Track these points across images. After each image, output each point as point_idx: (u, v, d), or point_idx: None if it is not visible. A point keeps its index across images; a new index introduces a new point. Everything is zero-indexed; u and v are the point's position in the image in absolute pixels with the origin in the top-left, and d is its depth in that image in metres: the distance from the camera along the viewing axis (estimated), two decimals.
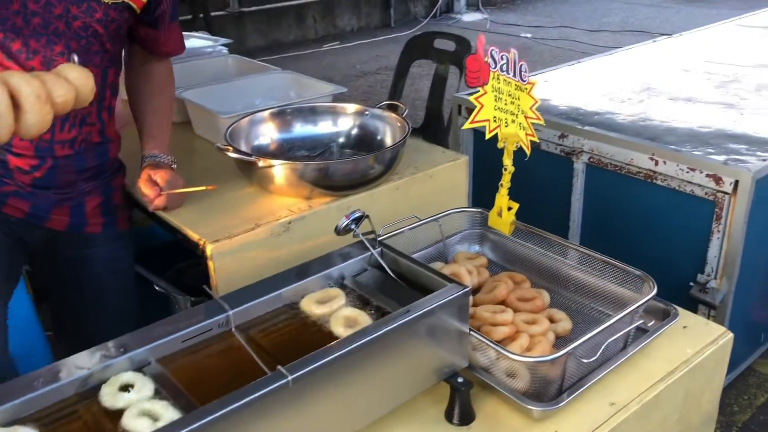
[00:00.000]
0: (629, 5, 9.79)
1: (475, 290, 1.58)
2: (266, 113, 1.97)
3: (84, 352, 1.09)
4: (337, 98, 2.19)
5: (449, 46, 3.54)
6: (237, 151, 1.72)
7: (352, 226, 1.35)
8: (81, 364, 1.06)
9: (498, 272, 1.66)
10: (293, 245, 1.68)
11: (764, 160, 2.13)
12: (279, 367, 1.02)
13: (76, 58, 0.98)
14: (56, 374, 1.05)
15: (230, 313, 1.18)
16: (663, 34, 4.36)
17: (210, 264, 1.57)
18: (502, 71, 1.58)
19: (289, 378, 1.00)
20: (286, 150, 1.98)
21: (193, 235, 1.60)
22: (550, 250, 1.62)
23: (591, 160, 2.46)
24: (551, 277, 1.61)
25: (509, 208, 1.63)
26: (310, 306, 1.24)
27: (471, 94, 1.55)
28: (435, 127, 3.76)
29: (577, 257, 1.56)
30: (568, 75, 3.23)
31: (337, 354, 1.06)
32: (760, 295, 2.44)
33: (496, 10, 9.72)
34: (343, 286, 1.31)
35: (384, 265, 1.34)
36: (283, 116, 1.98)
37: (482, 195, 2.61)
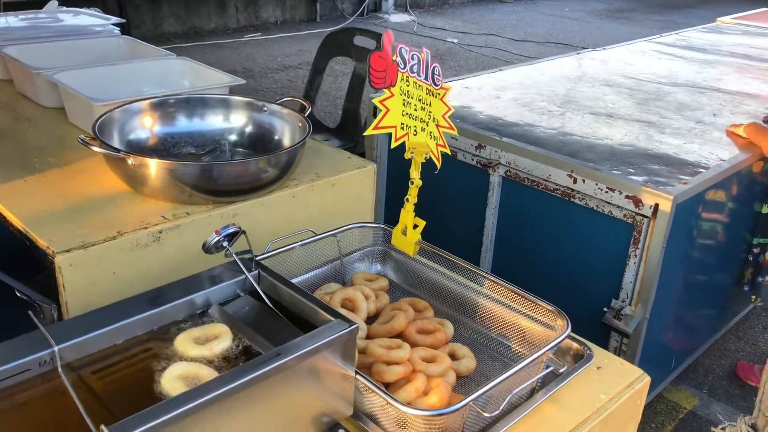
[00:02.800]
0: (555, 18, 9.90)
1: (372, 318, 1.39)
2: (146, 103, 1.71)
3: None
4: (236, 92, 1.96)
5: (369, 44, 3.36)
6: (103, 144, 1.47)
7: (224, 243, 1.14)
8: None
9: (400, 297, 1.49)
10: (165, 260, 1.44)
11: (685, 183, 2.04)
12: (102, 427, 0.80)
13: None
14: None
15: (56, 348, 0.95)
16: (585, 48, 4.32)
17: (59, 278, 1.31)
18: (413, 73, 1.41)
19: None
20: (169, 147, 1.74)
21: (41, 242, 1.34)
22: (457, 274, 1.45)
23: (508, 173, 2.33)
24: (457, 305, 1.44)
25: (415, 226, 1.46)
26: (185, 346, 1.02)
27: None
28: (351, 129, 3.57)
29: (486, 285, 1.40)
30: (489, 82, 3.10)
31: (178, 411, 0.84)
32: (672, 322, 2.37)
33: (425, 13, 9.62)
34: (206, 316, 1.09)
35: (260, 291, 1.13)
36: (166, 107, 1.73)
37: (396, 208, 2.45)
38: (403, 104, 1.39)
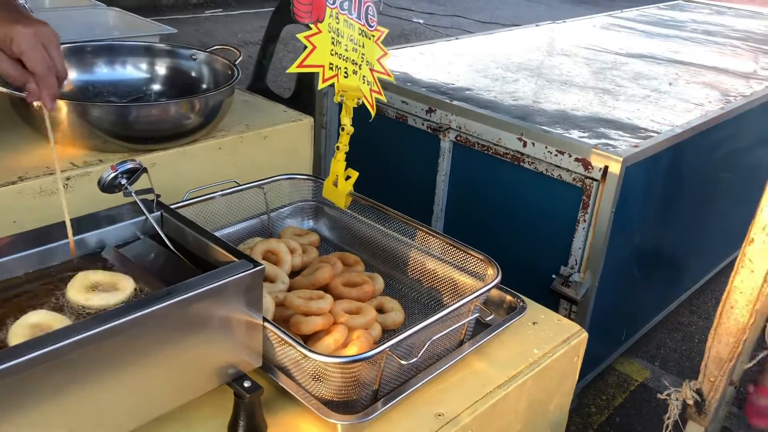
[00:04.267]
0: (522, 2, 9.87)
1: (298, 271, 1.30)
2: (63, 47, 1.59)
3: None
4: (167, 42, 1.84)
5: None
6: (7, 84, 1.35)
7: (122, 181, 1.03)
8: None
9: (331, 252, 1.40)
10: (72, 210, 1.32)
11: (636, 146, 1.98)
12: None
13: None
14: None
15: None
16: None
17: None
18: (343, 10, 1.31)
19: None
20: (91, 96, 1.62)
21: None
22: (390, 228, 1.37)
23: (458, 138, 2.25)
24: (389, 260, 1.36)
25: (347, 178, 1.37)
26: (76, 294, 0.91)
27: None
28: (305, 98, 3.45)
29: (420, 238, 1.32)
30: (443, 50, 3.01)
31: (63, 343, 0.74)
32: (623, 291, 2.32)
33: None
34: (100, 259, 0.99)
35: (161, 233, 1.03)
36: (84, 53, 1.61)
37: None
38: (333, 43, 1.29)
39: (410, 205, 2.46)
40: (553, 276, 2.10)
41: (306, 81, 3.43)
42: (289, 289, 1.22)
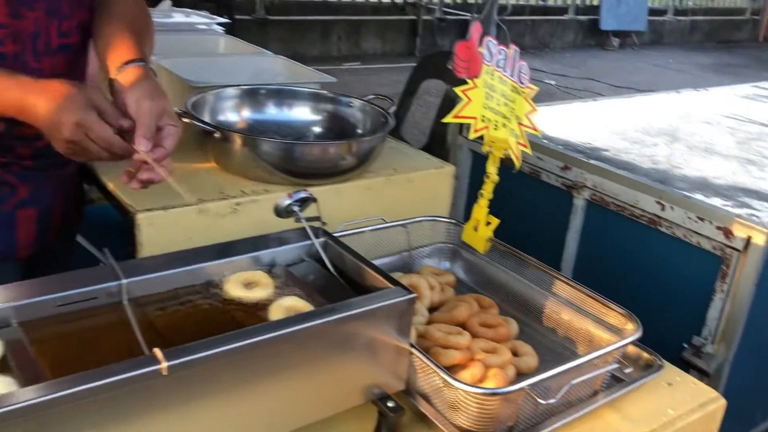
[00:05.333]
0: (658, 68, 9.68)
1: (435, 308, 1.37)
2: (237, 89, 1.78)
3: None
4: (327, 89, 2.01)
5: None
6: (194, 118, 1.54)
7: (295, 208, 1.15)
8: None
9: (466, 294, 1.46)
10: (239, 231, 1.47)
11: None
12: (156, 349, 0.82)
13: None
14: None
15: (124, 282, 0.98)
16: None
17: (137, 235, 1.37)
18: (498, 67, 1.40)
19: (164, 365, 0.80)
20: (256, 134, 1.79)
21: (125, 201, 1.41)
22: (526, 275, 1.42)
23: (593, 197, 2.26)
24: (524, 307, 1.40)
25: (488, 223, 1.43)
26: (233, 288, 1.04)
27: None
28: (437, 149, 3.56)
29: (557, 287, 1.35)
30: (581, 111, 3.04)
31: (233, 346, 0.85)
32: (759, 369, 2.20)
33: (524, 55, 9.51)
34: (271, 275, 1.11)
35: (324, 257, 1.14)
36: (255, 96, 1.80)
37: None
38: (486, 97, 1.38)
39: (538, 259, 2.48)
40: (684, 345, 2.04)
41: (439, 134, 3.56)
42: (428, 323, 1.29)
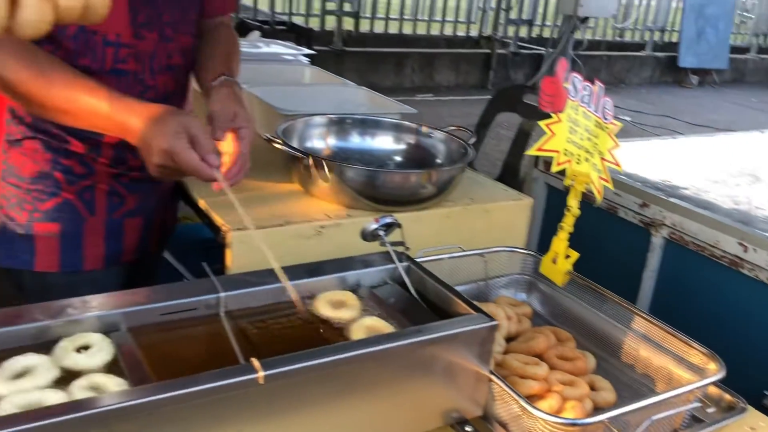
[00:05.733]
0: (739, 107, 9.40)
1: (511, 338, 1.38)
2: (324, 118, 1.86)
3: (52, 302, 0.97)
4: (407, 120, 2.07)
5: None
6: (285, 144, 1.61)
7: (381, 233, 1.20)
8: (42, 313, 0.94)
9: (542, 326, 1.46)
10: (323, 253, 1.52)
11: None
12: (253, 359, 0.87)
13: None
14: (12, 318, 0.93)
15: (222, 295, 1.04)
16: None
17: (227, 253, 1.44)
18: (583, 103, 1.42)
19: (261, 374, 0.85)
20: (340, 160, 1.86)
21: (218, 220, 1.48)
22: (604, 310, 1.42)
23: (672, 235, 2.22)
24: (601, 342, 1.40)
25: (567, 256, 1.44)
26: (322, 307, 1.09)
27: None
28: (509, 181, 3.56)
29: (636, 323, 1.35)
30: (659, 148, 3.00)
31: (326, 360, 0.90)
32: None
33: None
34: (356, 296, 1.15)
35: (407, 281, 1.17)
36: (341, 124, 1.87)
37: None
38: (570, 132, 1.40)
39: None
40: (765, 392, 1.97)
41: (511, 166, 3.57)
42: (505, 353, 1.30)
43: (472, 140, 1.80)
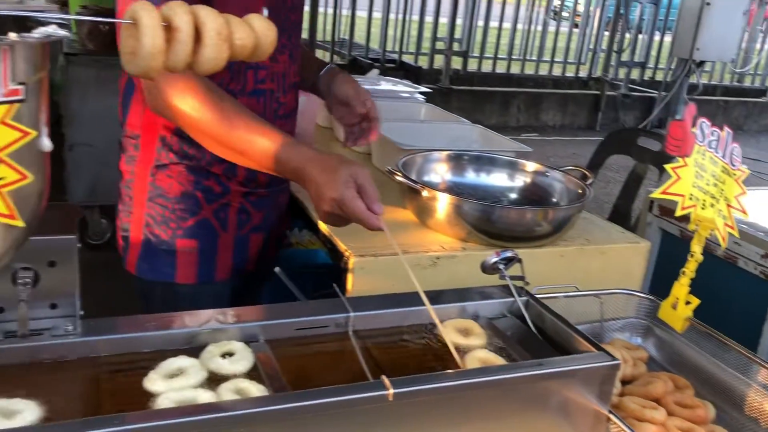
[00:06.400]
0: None
1: (626, 381, 1.37)
2: (443, 154, 1.92)
3: (202, 311, 1.06)
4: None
5: (653, 145, 3.33)
6: (404, 176, 1.68)
7: (501, 266, 1.23)
8: (192, 321, 1.04)
9: (657, 371, 1.44)
10: (438, 283, 1.57)
11: None
12: (383, 377, 0.92)
13: (266, 12, 1.00)
14: (168, 323, 1.03)
15: (351, 315, 1.10)
16: None
17: (349, 277, 1.51)
18: (710, 148, 1.41)
19: (391, 391, 0.89)
20: (455, 194, 1.91)
21: (341, 246, 1.56)
22: (726, 360, 1.38)
23: None
24: (721, 392, 1.36)
25: (687, 302, 1.42)
26: (450, 333, 1.13)
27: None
28: (619, 224, 3.51)
29: (761, 375, 1.30)
30: None
31: (452, 384, 0.93)
32: None
33: None
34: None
35: (526, 315, 1.20)
36: (459, 160, 1.93)
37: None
38: (696, 176, 1.39)
39: None
40: None
41: (622, 209, 3.49)
42: (620, 395, 1.29)
43: (590, 181, 1.80)
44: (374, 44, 7.96)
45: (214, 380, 0.95)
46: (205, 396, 0.89)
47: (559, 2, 9.50)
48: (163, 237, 1.53)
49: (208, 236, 1.55)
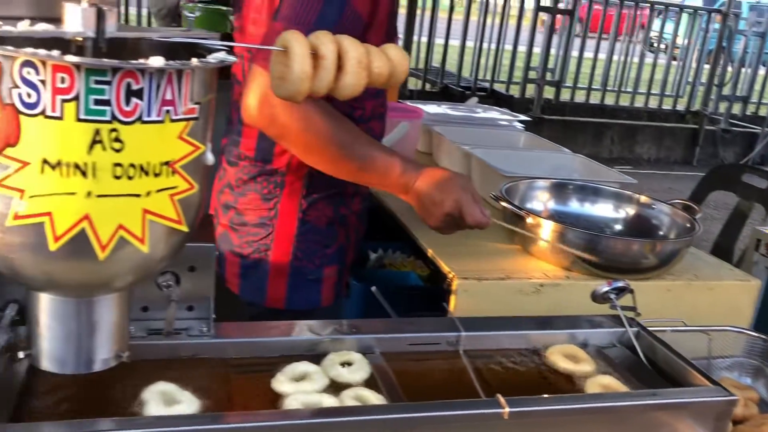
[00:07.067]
0: None
1: (737, 421, 1.33)
2: (547, 182, 1.94)
3: (321, 321, 1.12)
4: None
5: (760, 183, 3.21)
6: (509, 203, 1.71)
7: (612, 296, 1.23)
8: (314, 330, 1.10)
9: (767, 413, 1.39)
10: (541, 310, 1.59)
11: None
12: (498, 395, 0.94)
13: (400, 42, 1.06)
14: (290, 330, 1.09)
15: (463, 334, 1.14)
16: None
17: (451, 299, 1.54)
18: None
19: (506, 410, 0.92)
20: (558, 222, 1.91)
21: (445, 268, 1.60)
22: None
23: None
24: None
25: None
26: (556, 357, 1.15)
27: None
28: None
29: None
30: None
31: (566, 407, 0.95)
32: None
33: None
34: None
35: (637, 346, 1.19)
36: (562, 189, 1.93)
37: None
38: None
39: None
40: None
41: (724, 247, 3.37)
42: None
43: (699, 215, 1.77)
44: (465, 72, 8.02)
45: (334, 387, 1.00)
46: (329, 401, 0.94)
47: (657, 34, 9.25)
48: (312, 267, 1.58)
49: (342, 258, 1.66)
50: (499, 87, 8.07)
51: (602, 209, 1.92)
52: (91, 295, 0.82)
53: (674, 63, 8.84)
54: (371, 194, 1.77)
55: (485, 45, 8.00)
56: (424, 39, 7.81)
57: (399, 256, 2.74)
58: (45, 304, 0.82)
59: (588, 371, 1.11)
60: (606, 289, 1.23)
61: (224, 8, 3.91)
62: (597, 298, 1.25)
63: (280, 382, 0.97)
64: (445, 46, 7.80)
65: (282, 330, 1.09)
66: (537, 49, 7.85)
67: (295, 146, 1.41)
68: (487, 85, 7.95)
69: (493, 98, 7.31)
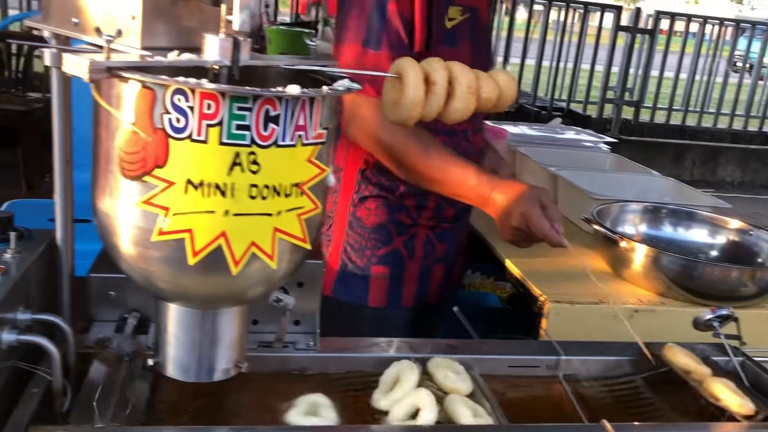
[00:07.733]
0: None
1: None
2: (640, 206, 1.91)
3: (419, 339, 1.15)
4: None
5: None
6: (602, 226, 1.69)
7: (715, 323, 1.21)
8: (413, 347, 1.12)
9: None
10: (631, 335, 1.56)
11: None
12: (604, 421, 0.94)
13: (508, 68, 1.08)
14: (389, 347, 1.12)
15: (562, 358, 1.14)
16: None
17: (543, 322, 1.54)
18: None
19: None
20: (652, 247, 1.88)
21: (536, 290, 1.59)
22: None
23: None
24: None
25: None
26: (675, 352, 1.14)
27: None
28: None
29: None
30: None
31: None
32: None
33: None
34: None
35: (742, 375, 1.16)
36: (656, 213, 1.90)
37: None
38: None
39: None
40: None
41: None
42: None
43: None
44: (541, 92, 7.94)
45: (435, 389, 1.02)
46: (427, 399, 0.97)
47: (743, 53, 8.92)
48: (359, 263, 1.64)
49: (398, 264, 1.66)
50: (575, 107, 7.95)
51: (697, 234, 1.87)
52: (217, 307, 0.86)
53: (761, 83, 8.51)
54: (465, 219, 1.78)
55: (561, 64, 7.91)
56: (500, 59, 7.78)
57: (478, 276, 2.75)
58: (173, 314, 0.87)
59: (705, 372, 1.09)
60: (709, 316, 1.21)
61: (306, 30, 4.01)
62: (699, 325, 1.22)
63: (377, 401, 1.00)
64: (521, 65, 7.76)
65: (381, 347, 1.11)
66: (615, 69, 7.71)
67: (380, 153, 1.50)
68: (563, 105, 7.84)
69: (569, 118, 7.20)
